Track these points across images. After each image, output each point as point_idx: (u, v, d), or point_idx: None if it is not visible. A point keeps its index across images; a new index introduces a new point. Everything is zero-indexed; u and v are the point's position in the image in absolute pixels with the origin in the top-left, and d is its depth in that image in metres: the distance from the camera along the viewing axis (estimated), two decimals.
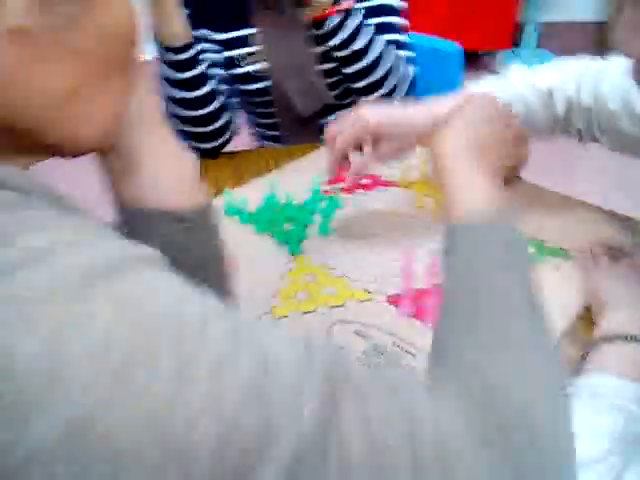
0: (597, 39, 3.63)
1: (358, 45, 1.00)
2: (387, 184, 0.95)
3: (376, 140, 0.74)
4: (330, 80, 1.10)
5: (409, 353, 0.62)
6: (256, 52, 1.07)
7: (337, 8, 0.96)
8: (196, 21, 1.01)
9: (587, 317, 0.67)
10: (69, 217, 0.33)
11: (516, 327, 0.38)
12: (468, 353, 0.37)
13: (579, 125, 0.79)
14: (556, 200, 0.91)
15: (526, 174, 0.99)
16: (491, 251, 0.42)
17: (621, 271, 0.69)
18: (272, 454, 0.26)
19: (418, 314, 0.68)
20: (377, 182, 0.95)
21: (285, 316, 0.68)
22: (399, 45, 1.08)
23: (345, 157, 0.76)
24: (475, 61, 3.48)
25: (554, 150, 0.89)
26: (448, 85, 1.36)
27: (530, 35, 3.48)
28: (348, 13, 0.97)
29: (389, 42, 1.05)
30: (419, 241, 0.82)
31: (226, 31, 1.06)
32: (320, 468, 0.27)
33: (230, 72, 1.09)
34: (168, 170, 0.52)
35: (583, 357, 0.58)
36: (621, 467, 0.42)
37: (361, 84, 1.05)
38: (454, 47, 1.35)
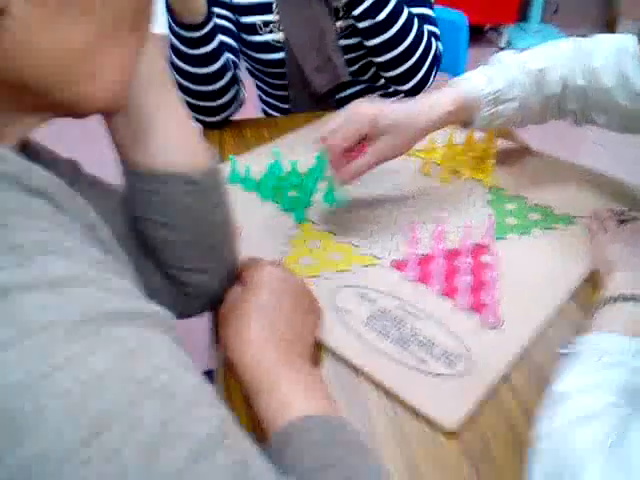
0: (602, 14, 3.59)
1: (382, 15, 0.95)
2: None
3: (373, 137, 0.71)
4: (349, 56, 1.06)
5: (413, 315, 0.62)
6: (275, 21, 1.03)
7: None
8: None
9: (594, 281, 0.67)
10: (92, 249, 0.32)
11: None
12: None
13: (573, 106, 0.78)
14: (562, 168, 0.91)
15: (533, 143, 0.98)
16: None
17: (627, 234, 0.69)
18: None
19: (422, 278, 0.68)
20: None
21: None
22: (425, 19, 1.04)
23: (347, 150, 0.72)
24: (480, 37, 3.44)
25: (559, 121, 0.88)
26: (454, 57, 1.35)
27: (536, 10, 3.43)
28: None
29: (415, 15, 1.00)
30: (424, 207, 0.81)
31: None
32: None
33: (245, 39, 1.05)
34: (177, 133, 0.52)
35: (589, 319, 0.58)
36: (627, 419, 0.42)
37: (384, 58, 1.01)
38: (460, 17, 1.33)
